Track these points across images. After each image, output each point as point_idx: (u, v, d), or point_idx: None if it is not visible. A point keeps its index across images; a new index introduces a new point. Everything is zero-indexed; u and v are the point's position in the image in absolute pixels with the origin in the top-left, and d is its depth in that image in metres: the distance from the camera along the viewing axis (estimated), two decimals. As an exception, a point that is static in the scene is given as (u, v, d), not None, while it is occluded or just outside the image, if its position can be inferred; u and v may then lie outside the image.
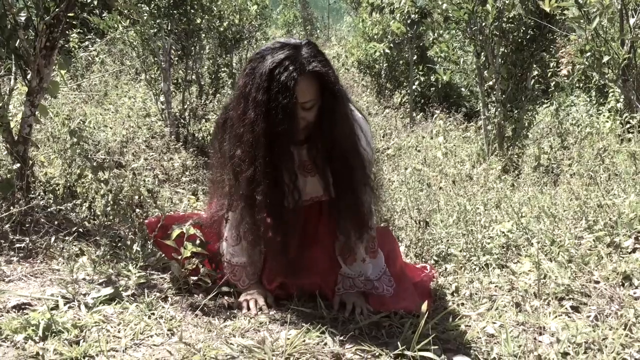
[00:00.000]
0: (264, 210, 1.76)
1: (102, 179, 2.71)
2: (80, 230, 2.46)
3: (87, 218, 2.61)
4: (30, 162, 2.58)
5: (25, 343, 1.52)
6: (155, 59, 5.50)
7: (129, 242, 2.27)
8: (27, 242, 2.21)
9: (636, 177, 3.15)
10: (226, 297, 1.95)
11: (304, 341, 1.63)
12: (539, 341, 1.75)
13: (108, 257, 2.17)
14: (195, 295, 1.96)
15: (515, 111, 5.26)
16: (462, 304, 2.06)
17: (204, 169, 4.53)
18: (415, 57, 9.38)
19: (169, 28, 5.31)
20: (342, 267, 1.99)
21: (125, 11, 5.31)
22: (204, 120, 5.82)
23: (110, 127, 4.90)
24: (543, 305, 1.96)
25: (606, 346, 1.67)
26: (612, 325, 1.78)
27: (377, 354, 1.62)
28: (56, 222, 2.44)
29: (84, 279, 1.99)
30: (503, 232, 2.61)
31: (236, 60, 7.65)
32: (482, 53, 5.21)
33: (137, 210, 2.66)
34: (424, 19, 8.12)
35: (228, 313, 1.86)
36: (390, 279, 2.03)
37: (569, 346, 1.67)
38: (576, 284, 2.06)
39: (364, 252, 1.96)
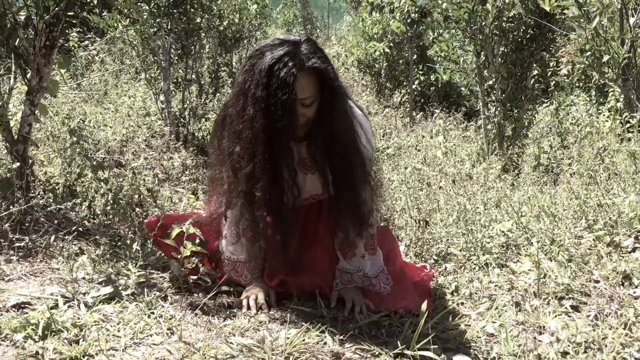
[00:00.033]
0: (263, 207, 1.76)
1: (101, 178, 2.71)
2: (80, 229, 2.46)
3: (87, 217, 2.61)
4: (30, 161, 2.58)
5: (25, 342, 1.52)
6: (155, 58, 5.50)
7: (128, 241, 2.27)
8: (27, 241, 2.21)
9: (636, 177, 3.15)
10: (226, 296, 1.95)
11: (303, 340, 1.63)
12: (539, 340, 1.74)
13: (108, 256, 2.17)
14: (195, 295, 1.95)
15: (515, 110, 5.26)
16: (462, 303, 2.06)
17: (204, 168, 4.53)
18: (415, 57, 9.38)
19: (168, 27, 5.31)
20: (340, 261, 1.99)
21: (125, 10, 5.31)
22: (203, 119, 5.82)
23: (110, 126, 4.90)
24: (543, 304, 1.96)
25: (606, 345, 1.67)
26: (612, 324, 1.78)
27: (376, 353, 1.62)
28: (56, 221, 2.44)
29: (83, 278, 1.99)
30: (503, 232, 2.61)
31: (236, 59, 7.64)
32: (482, 52, 5.21)
33: (137, 209, 2.66)
34: (423, 18, 8.12)
35: (228, 312, 1.86)
36: (387, 277, 2.03)
37: (569, 345, 1.67)
38: (576, 284, 2.06)
39: (364, 249, 1.96)
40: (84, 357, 1.49)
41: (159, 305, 1.84)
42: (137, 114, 5.50)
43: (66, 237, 2.30)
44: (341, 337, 1.68)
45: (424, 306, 1.61)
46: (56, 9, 2.40)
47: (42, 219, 2.40)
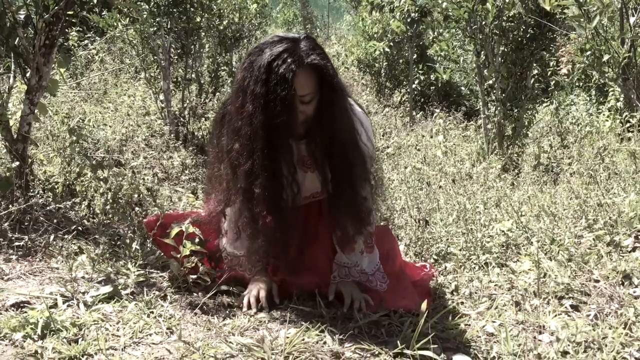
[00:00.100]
0: (262, 204, 1.75)
1: (101, 177, 2.71)
2: (80, 228, 2.46)
3: (86, 216, 2.61)
4: (30, 160, 2.57)
5: (24, 341, 1.52)
6: (155, 57, 5.50)
7: (128, 241, 2.27)
8: (26, 240, 2.21)
9: (636, 176, 3.15)
10: (225, 296, 1.95)
11: (303, 340, 1.63)
12: (539, 340, 1.74)
13: (107, 255, 2.17)
14: (195, 294, 1.95)
15: (515, 110, 5.25)
16: (462, 302, 2.06)
17: (204, 167, 4.53)
18: (415, 56, 9.38)
19: (168, 26, 5.31)
20: (338, 255, 1.99)
21: (125, 9, 5.31)
22: (203, 118, 5.82)
23: (110, 126, 4.89)
24: (543, 304, 1.96)
25: (606, 345, 1.66)
26: (612, 324, 1.78)
27: (376, 352, 1.62)
28: (55, 221, 2.43)
29: (82, 277, 1.99)
30: (503, 231, 2.61)
31: (236, 58, 7.64)
32: (482, 52, 5.20)
33: (137, 208, 2.65)
34: (423, 18, 8.12)
35: (227, 311, 1.86)
36: (384, 275, 2.03)
37: (569, 345, 1.67)
38: (576, 283, 2.05)
39: (362, 245, 1.96)
40: (83, 356, 1.49)
41: (159, 304, 1.84)
42: (136, 113, 5.49)
43: (65, 236, 2.29)
44: (341, 337, 1.68)
45: (423, 306, 1.60)
46: (56, 8, 2.40)
47: (41, 218, 2.40)
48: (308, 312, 1.87)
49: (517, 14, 5.07)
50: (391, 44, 9.45)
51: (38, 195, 2.39)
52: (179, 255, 1.95)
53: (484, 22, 5.04)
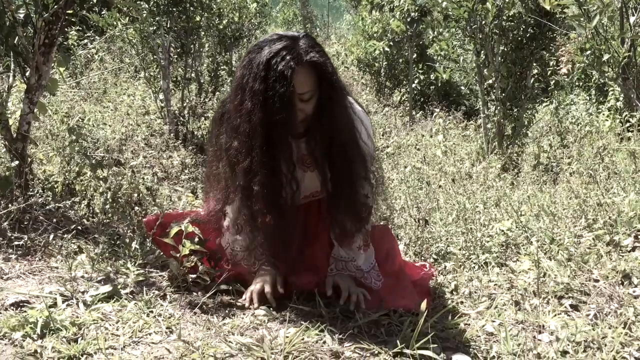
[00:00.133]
0: (261, 201, 1.75)
1: (101, 176, 2.71)
2: (79, 227, 2.46)
3: (86, 216, 2.61)
4: (29, 159, 2.57)
5: (24, 341, 1.52)
6: (155, 56, 5.50)
7: (127, 240, 2.26)
8: (26, 239, 2.20)
9: (636, 176, 3.14)
10: (225, 295, 1.95)
11: (302, 339, 1.63)
12: (538, 340, 1.74)
13: (106, 254, 2.17)
14: (194, 293, 1.95)
15: (515, 109, 5.25)
16: (462, 302, 2.06)
17: (203, 166, 4.53)
18: (415, 56, 9.38)
19: (168, 26, 5.30)
20: (335, 249, 1.98)
21: (125, 8, 5.30)
22: (203, 118, 5.82)
23: (109, 125, 4.89)
24: (542, 303, 1.96)
25: (605, 345, 1.66)
26: (612, 323, 1.78)
27: (376, 352, 1.62)
28: (55, 220, 2.43)
29: (82, 276, 1.99)
30: (502, 231, 2.61)
31: (235, 58, 7.64)
32: (482, 51, 5.20)
33: (136, 208, 2.65)
34: (423, 17, 8.13)
35: (227, 311, 1.86)
36: (379, 274, 2.03)
37: (568, 345, 1.67)
38: (575, 283, 2.05)
39: (360, 241, 1.96)
40: (82, 355, 1.49)
41: (158, 304, 1.84)
42: (136, 113, 5.49)
43: (65, 235, 2.29)
44: (340, 336, 1.68)
45: (423, 305, 1.60)
46: (55, 7, 2.40)
47: (40, 218, 2.40)
48: (308, 311, 1.87)
49: (517, 14, 5.07)
50: (391, 43, 9.45)
51: (37, 195, 2.39)
52: (178, 255, 1.95)
53: (483, 22, 5.04)
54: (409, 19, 8.57)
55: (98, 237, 2.28)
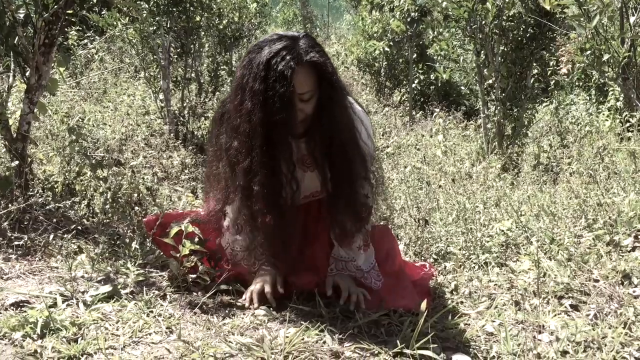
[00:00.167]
0: (261, 201, 1.75)
1: (101, 176, 2.71)
2: (79, 228, 2.46)
3: (86, 216, 2.61)
4: (29, 159, 2.57)
5: (24, 341, 1.52)
6: (155, 56, 5.50)
7: (127, 240, 2.26)
8: (26, 239, 2.20)
9: (636, 176, 3.14)
10: (225, 295, 1.95)
11: (302, 339, 1.63)
12: (538, 340, 1.74)
13: (106, 254, 2.17)
14: (194, 293, 1.95)
15: (515, 109, 5.25)
16: (462, 302, 2.06)
17: (203, 166, 4.53)
18: (415, 56, 9.38)
19: (168, 26, 5.30)
20: (335, 249, 1.98)
21: (125, 8, 5.30)
22: (203, 118, 5.82)
23: (109, 125, 4.89)
24: (542, 303, 1.96)
25: (605, 345, 1.66)
26: (612, 323, 1.78)
27: (376, 352, 1.62)
28: (55, 220, 2.43)
29: (82, 276, 1.99)
30: (502, 231, 2.61)
31: (235, 58, 7.64)
32: (482, 51, 5.20)
33: (136, 208, 2.65)
34: (423, 17, 8.13)
35: (227, 311, 1.86)
36: (378, 274, 2.03)
37: (568, 345, 1.67)
38: (575, 283, 2.05)
39: (360, 241, 1.96)
40: (82, 355, 1.49)
41: (158, 304, 1.84)
42: (136, 113, 5.49)
43: (65, 235, 2.29)
44: (340, 336, 1.68)
45: (423, 305, 1.60)
46: (55, 7, 2.40)
47: (40, 218, 2.39)
48: (308, 311, 1.87)
49: (517, 14, 5.07)
50: (391, 43, 9.45)
51: (37, 195, 2.39)
52: (178, 255, 1.95)
53: (483, 22, 5.04)
54: (409, 19, 8.57)
55: (98, 237, 2.28)
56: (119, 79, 6.90)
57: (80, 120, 4.19)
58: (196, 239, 1.96)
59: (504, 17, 5.05)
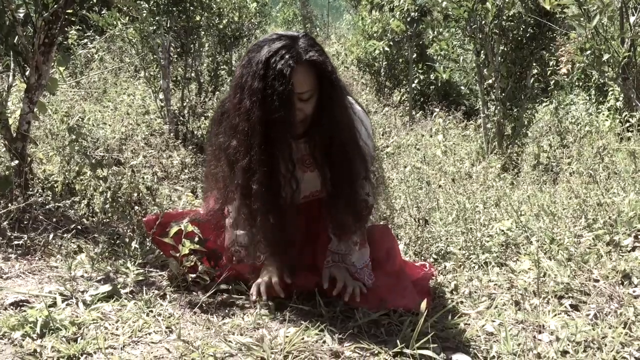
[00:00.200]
0: (259, 200, 1.75)
1: (100, 176, 2.71)
2: (79, 227, 2.46)
3: (86, 215, 2.60)
4: (29, 159, 2.57)
5: (23, 340, 1.52)
6: (155, 56, 5.50)
7: (127, 240, 2.26)
8: (25, 239, 2.20)
9: (636, 176, 3.14)
10: (225, 295, 1.94)
11: (302, 339, 1.63)
12: (539, 339, 1.74)
13: (106, 254, 2.17)
14: (194, 293, 1.95)
15: (515, 109, 5.25)
16: (462, 302, 2.06)
17: (203, 166, 4.52)
18: (414, 55, 9.38)
19: (168, 25, 5.30)
20: (332, 242, 1.98)
21: (125, 8, 5.30)
22: (203, 117, 5.82)
23: (109, 125, 4.89)
24: (542, 303, 1.95)
25: (605, 345, 1.66)
26: (612, 323, 1.78)
27: (376, 352, 1.62)
28: (54, 219, 2.43)
29: (82, 276, 1.99)
30: (502, 231, 2.61)
31: (235, 57, 7.64)
32: (482, 51, 5.20)
33: (136, 207, 2.65)
34: (423, 17, 8.12)
35: (227, 310, 1.85)
36: (370, 273, 2.02)
37: (569, 345, 1.67)
38: (575, 283, 2.05)
39: (357, 237, 1.96)
40: (82, 355, 1.49)
41: (158, 303, 1.84)
42: (136, 112, 5.49)
43: (65, 235, 2.29)
44: (340, 336, 1.68)
45: (423, 305, 1.60)
46: (55, 6, 2.40)
47: (40, 217, 2.39)
48: (307, 311, 1.86)
49: (517, 13, 5.07)
50: (391, 43, 9.45)
51: (37, 194, 2.39)
52: (178, 254, 1.95)
53: (483, 22, 5.04)
54: (408, 19, 8.57)
55: (98, 236, 2.28)
56: (119, 79, 6.90)
57: (80, 119, 4.19)
58: (196, 239, 1.96)
59: (504, 17, 5.05)
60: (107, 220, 2.57)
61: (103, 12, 6.24)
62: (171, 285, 1.97)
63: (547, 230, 2.51)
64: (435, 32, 6.18)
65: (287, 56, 1.64)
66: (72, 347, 1.50)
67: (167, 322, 1.70)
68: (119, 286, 1.89)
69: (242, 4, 7.49)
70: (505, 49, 5.14)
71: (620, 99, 5.36)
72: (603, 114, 6.55)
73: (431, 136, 6.64)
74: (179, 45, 5.64)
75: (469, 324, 1.86)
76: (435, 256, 2.58)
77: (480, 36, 5.10)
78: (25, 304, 1.75)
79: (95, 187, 2.74)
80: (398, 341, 1.62)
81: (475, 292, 2.11)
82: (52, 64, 2.56)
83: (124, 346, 1.56)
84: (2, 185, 2.36)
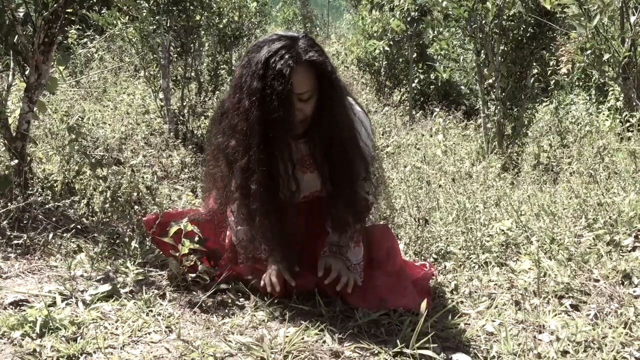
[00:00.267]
0: (258, 200, 1.75)
1: (100, 175, 2.70)
2: (78, 227, 2.46)
3: (85, 215, 2.60)
4: (29, 158, 2.57)
5: (23, 340, 1.52)
6: (155, 55, 5.49)
7: (127, 239, 2.26)
8: (25, 238, 2.20)
9: (636, 176, 3.14)
10: (224, 294, 1.94)
11: (302, 339, 1.63)
12: (539, 339, 1.74)
13: (106, 254, 2.16)
14: (194, 293, 1.95)
15: (515, 109, 5.25)
16: (462, 302, 2.06)
17: (203, 165, 4.52)
18: (415, 55, 9.38)
19: (168, 25, 5.30)
20: (330, 235, 1.97)
21: (125, 8, 5.30)
22: (203, 117, 5.82)
23: (109, 124, 4.89)
24: (543, 303, 1.95)
25: (606, 345, 1.66)
26: (612, 323, 1.78)
27: (376, 351, 1.62)
28: (54, 219, 2.43)
29: (81, 275, 1.99)
30: (502, 230, 2.61)
31: (235, 57, 7.64)
32: (482, 51, 5.20)
33: (136, 207, 2.65)
34: (423, 17, 8.12)
35: (226, 310, 1.85)
36: (361, 273, 2.02)
37: (569, 345, 1.67)
38: (576, 283, 2.05)
39: (355, 235, 1.95)
40: (81, 355, 1.49)
41: (157, 303, 1.84)
42: (136, 112, 5.49)
43: (64, 234, 2.29)
44: (340, 336, 1.68)
45: (423, 305, 1.60)
46: (55, 5, 2.39)
47: (40, 217, 2.39)
48: (307, 311, 1.86)
49: (517, 13, 5.07)
50: (391, 42, 9.44)
51: (37, 194, 2.39)
52: (177, 254, 1.95)
53: (484, 21, 5.04)
54: (409, 19, 8.57)
55: (97, 236, 2.28)
56: (119, 78, 6.90)
57: (80, 119, 4.19)
58: (196, 238, 1.95)
59: (504, 17, 5.04)
60: (107, 219, 2.57)
61: (103, 11, 6.24)
62: (171, 285, 1.96)
63: (548, 230, 2.51)
64: (436, 32, 6.17)
65: (286, 56, 1.64)
66: (72, 346, 1.50)
67: (166, 321, 1.70)
68: (118, 286, 1.89)
69: (242, 3, 7.49)
70: (506, 48, 5.14)
71: (621, 98, 5.35)
72: (603, 114, 6.55)
73: (431, 136, 6.64)
74: (179, 45, 5.64)
75: (469, 324, 1.86)
76: (435, 256, 2.58)
77: (481, 36, 5.10)
78: (24, 303, 1.75)
79: (95, 186, 2.74)
80: (398, 341, 1.62)
81: (476, 292, 2.10)
82: (52, 63, 2.56)
83: (123, 346, 1.56)
84: (2, 184, 2.36)
